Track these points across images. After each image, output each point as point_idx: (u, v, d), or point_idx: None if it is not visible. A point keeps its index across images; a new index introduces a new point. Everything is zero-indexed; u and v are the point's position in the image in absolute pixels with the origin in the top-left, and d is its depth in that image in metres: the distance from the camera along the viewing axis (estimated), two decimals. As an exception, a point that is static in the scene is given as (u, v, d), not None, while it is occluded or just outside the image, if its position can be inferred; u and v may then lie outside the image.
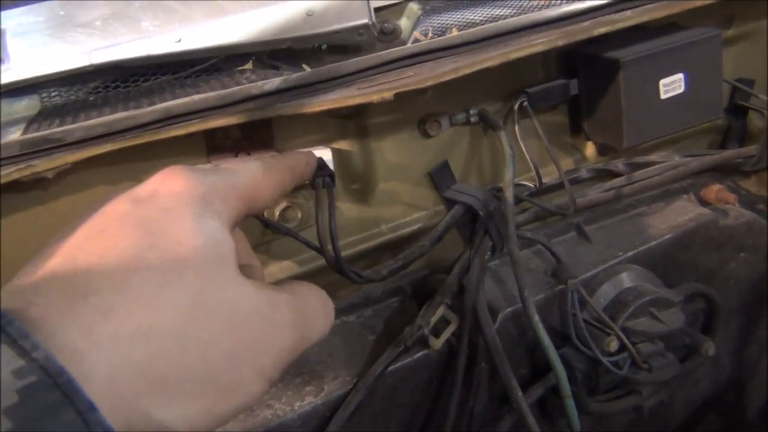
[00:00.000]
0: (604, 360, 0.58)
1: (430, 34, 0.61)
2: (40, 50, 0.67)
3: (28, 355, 0.25)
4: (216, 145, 0.54)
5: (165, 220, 0.31)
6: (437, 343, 0.55)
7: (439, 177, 0.62)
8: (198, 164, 0.53)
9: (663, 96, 0.62)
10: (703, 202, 0.69)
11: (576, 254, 0.63)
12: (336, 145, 0.58)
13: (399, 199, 0.62)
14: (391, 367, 0.53)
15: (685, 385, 0.70)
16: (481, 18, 0.62)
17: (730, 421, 0.76)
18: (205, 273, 0.31)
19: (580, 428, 0.57)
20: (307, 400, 0.51)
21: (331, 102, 0.50)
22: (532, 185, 0.64)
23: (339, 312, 0.58)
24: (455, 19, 0.62)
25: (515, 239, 0.56)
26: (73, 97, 0.67)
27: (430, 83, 0.51)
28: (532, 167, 0.63)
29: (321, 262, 0.58)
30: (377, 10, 0.61)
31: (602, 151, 0.68)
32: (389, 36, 0.72)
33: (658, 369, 0.60)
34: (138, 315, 0.28)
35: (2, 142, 0.49)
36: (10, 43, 0.67)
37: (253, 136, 0.55)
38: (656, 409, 0.67)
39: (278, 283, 0.36)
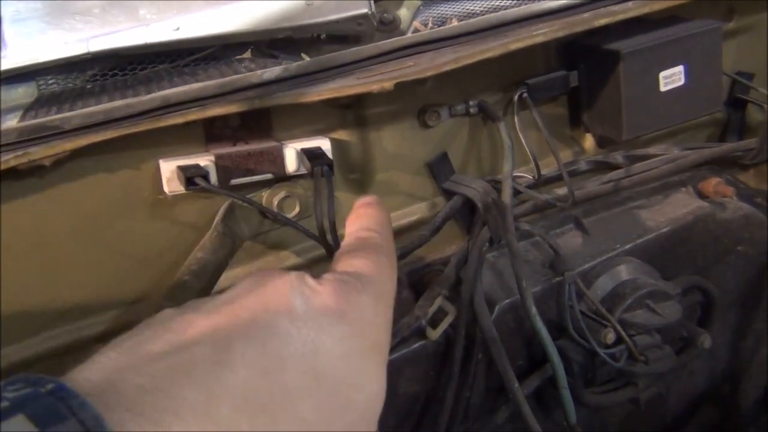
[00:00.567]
0: (601, 352, 0.58)
1: (430, 24, 0.61)
2: (38, 37, 0.67)
3: None
4: (215, 133, 0.54)
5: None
6: (434, 334, 0.55)
7: (438, 168, 0.62)
8: (197, 152, 0.53)
9: (663, 88, 0.62)
10: (702, 195, 0.69)
11: (574, 246, 0.63)
12: (335, 135, 0.58)
13: (397, 190, 0.62)
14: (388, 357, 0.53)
15: (682, 377, 0.71)
16: (481, 8, 0.62)
17: (725, 413, 0.76)
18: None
19: (576, 419, 0.57)
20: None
21: (330, 91, 0.50)
22: (531, 177, 0.64)
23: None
24: (455, 10, 0.62)
25: (513, 231, 0.56)
26: (70, 84, 0.67)
27: (430, 73, 0.51)
28: (531, 159, 0.62)
29: (320, 252, 0.58)
30: (377, 0, 0.61)
31: (601, 143, 0.68)
32: (389, 26, 0.71)
33: (655, 361, 0.60)
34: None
35: (-1, 129, 0.48)
36: (7, 30, 0.67)
37: (252, 125, 0.55)
38: (652, 401, 0.67)
39: None
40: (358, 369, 0.31)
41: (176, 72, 0.65)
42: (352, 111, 0.58)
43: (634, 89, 0.61)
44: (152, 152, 0.52)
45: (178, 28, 0.66)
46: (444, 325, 0.55)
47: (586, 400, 0.60)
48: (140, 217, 0.53)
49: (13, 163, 0.46)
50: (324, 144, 0.55)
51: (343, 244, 0.39)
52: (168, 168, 0.52)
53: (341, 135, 0.58)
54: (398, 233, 0.62)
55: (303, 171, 0.55)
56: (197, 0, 0.65)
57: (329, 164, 0.53)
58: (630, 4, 0.60)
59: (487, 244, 0.59)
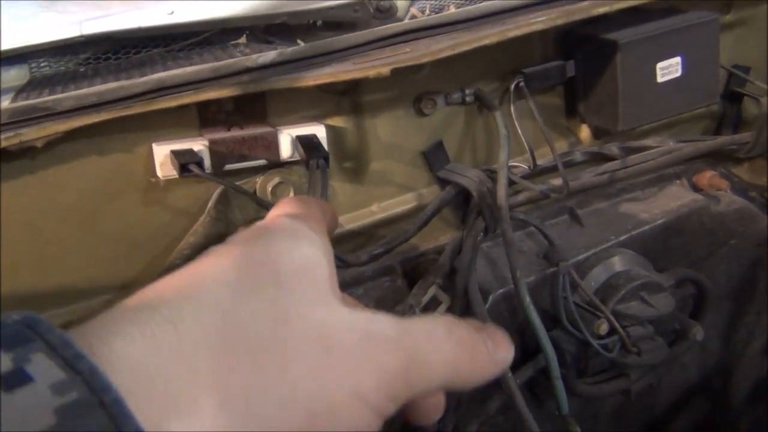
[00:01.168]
0: (594, 343, 0.58)
1: (427, 11, 0.60)
2: (31, 20, 0.66)
3: (71, 367, 0.21)
4: (209, 117, 0.54)
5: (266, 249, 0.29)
6: (428, 323, 0.55)
7: (433, 156, 0.62)
8: (191, 137, 0.53)
9: (660, 79, 0.62)
10: (696, 188, 0.69)
11: (568, 237, 0.63)
12: (330, 122, 0.57)
13: (392, 179, 0.61)
14: (381, 346, 0.53)
15: (673, 369, 0.71)
16: (479, -4, 0.61)
17: (717, 406, 0.76)
18: (291, 288, 0.28)
19: (568, 410, 0.57)
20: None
21: (326, 76, 0.49)
22: (527, 167, 0.63)
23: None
24: (453, -3, 0.61)
25: (508, 220, 0.56)
26: (63, 67, 0.67)
27: (426, 59, 0.51)
28: (527, 149, 0.62)
29: (313, 239, 0.57)
30: (374, -14, 0.61)
31: (597, 134, 0.68)
32: (385, 13, 0.71)
33: (647, 353, 0.60)
34: (207, 324, 0.25)
35: (-9, 109, 0.48)
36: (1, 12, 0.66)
37: (246, 110, 0.54)
38: (644, 392, 0.67)
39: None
40: None
41: (170, 56, 0.64)
42: (347, 98, 0.57)
43: (630, 80, 0.61)
44: (145, 136, 0.52)
45: (172, 12, 0.66)
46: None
47: (578, 391, 0.60)
48: (132, 200, 0.53)
49: (4, 145, 0.45)
50: (319, 131, 0.55)
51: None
52: (161, 152, 0.51)
53: (336, 122, 0.58)
54: (393, 222, 0.62)
55: (297, 157, 0.55)
56: (192, -17, 0.64)
57: (325, 157, 0.52)
58: (628, -7, 0.60)
59: (482, 233, 0.59)
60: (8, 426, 0.20)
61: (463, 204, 0.61)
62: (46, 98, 0.49)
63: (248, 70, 0.51)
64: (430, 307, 0.56)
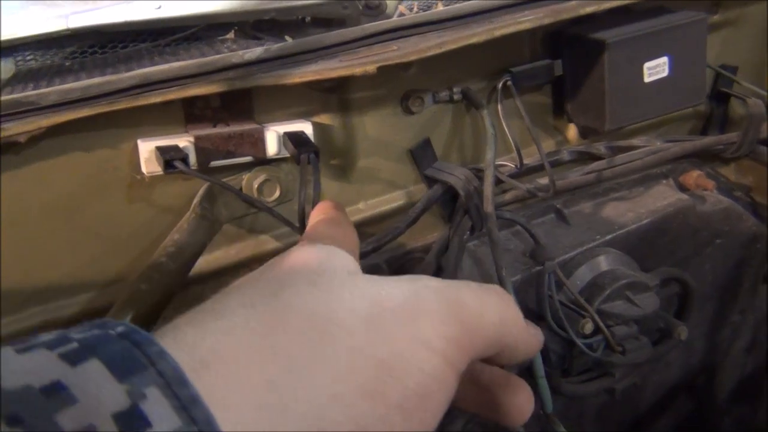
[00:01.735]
0: (579, 342, 0.58)
1: (415, 9, 0.60)
2: (16, 12, 0.66)
3: (185, 411, 0.21)
4: (195, 114, 0.53)
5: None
6: (413, 321, 0.55)
7: (421, 154, 0.62)
8: (176, 133, 0.52)
9: (647, 79, 0.62)
10: (682, 188, 0.70)
11: (554, 236, 0.63)
12: (317, 119, 0.57)
13: (379, 176, 0.61)
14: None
15: (658, 368, 0.71)
16: (467, -6, 0.61)
17: (701, 405, 0.77)
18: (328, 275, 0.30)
19: (552, 409, 0.57)
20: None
21: (313, 73, 0.49)
22: (514, 166, 0.63)
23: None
24: (441, -5, 0.61)
25: (494, 219, 0.56)
26: (48, 61, 0.66)
27: (414, 57, 0.51)
28: (514, 147, 0.62)
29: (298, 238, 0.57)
30: (363, -17, 0.61)
31: (584, 133, 0.68)
32: (374, 10, 0.71)
33: (632, 352, 0.60)
34: (261, 310, 0.27)
35: (-27, 104, 0.47)
36: (-15, 4, 0.65)
37: (232, 106, 0.54)
38: (628, 391, 0.67)
39: None
40: None
41: (157, 51, 0.64)
42: (335, 95, 0.57)
43: (618, 79, 0.61)
44: (131, 131, 0.51)
45: (159, 7, 0.65)
46: (423, 312, 0.55)
47: (563, 390, 0.60)
48: (117, 197, 0.52)
49: (-14, 139, 0.45)
50: (306, 128, 0.55)
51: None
52: (146, 148, 0.51)
53: (323, 119, 0.58)
54: (379, 220, 0.62)
55: (284, 154, 0.54)
56: (179, -22, 0.64)
57: (316, 152, 0.52)
58: (616, -7, 0.60)
59: (468, 232, 0.59)
60: None
61: (449, 202, 0.61)
62: (29, 92, 0.48)
63: (234, 67, 0.51)
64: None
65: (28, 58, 0.66)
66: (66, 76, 0.59)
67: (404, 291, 0.30)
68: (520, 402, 0.35)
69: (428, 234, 0.63)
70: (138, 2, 0.65)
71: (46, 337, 0.23)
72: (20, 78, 0.62)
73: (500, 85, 0.62)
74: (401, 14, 0.60)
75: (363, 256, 0.56)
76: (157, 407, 0.21)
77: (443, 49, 0.52)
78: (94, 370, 0.21)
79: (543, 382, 0.56)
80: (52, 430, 0.20)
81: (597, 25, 0.62)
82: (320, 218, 0.40)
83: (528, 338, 0.34)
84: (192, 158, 0.52)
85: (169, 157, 0.49)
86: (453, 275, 0.56)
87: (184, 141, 0.51)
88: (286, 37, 0.66)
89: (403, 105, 0.60)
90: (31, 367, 0.21)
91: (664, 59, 0.62)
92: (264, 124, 0.54)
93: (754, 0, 0.74)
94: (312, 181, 0.51)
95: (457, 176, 0.59)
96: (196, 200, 0.53)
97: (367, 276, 0.31)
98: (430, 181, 0.62)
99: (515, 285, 0.56)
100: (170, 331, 0.25)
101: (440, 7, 0.59)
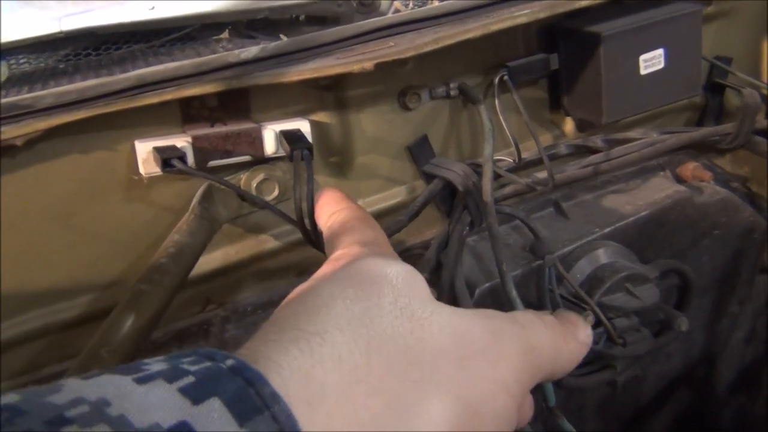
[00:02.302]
0: (580, 335, 0.58)
1: (411, 5, 0.60)
2: (9, 16, 0.65)
3: None
4: (192, 114, 0.53)
5: None
6: (415, 318, 0.55)
7: (418, 151, 0.62)
8: (173, 134, 0.52)
9: (643, 72, 0.62)
10: (679, 180, 0.70)
11: (553, 230, 0.63)
12: (314, 117, 0.57)
13: (377, 173, 0.61)
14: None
15: (658, 360, 0.71)
16: (462, -11, 0.61)
17: (700, 395, 0.77)
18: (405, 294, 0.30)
19: (555, 402, 0.57)
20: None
21: (310, 71, 0.49)
22: (512, 160, 0.63)
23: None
24: (436, -10, 0.61)
25: (494, 214, 0.56)
26: (42, 64, 0.66)
27: (410, 53, 0.51)
28: (512, 142, 0.62)
29: (299, 235, 0.57)
30: (357, -20, 0.61)
31: (581, 126, 0.68)
32: (368, 7, 0.71)
33: (633, 344, 0.60)
34: (350, 333, 0.27)
35: (-31, 108, 0.47)
36: (-23, 7, 0.65)
37: (229, 106, 0.54)
38: (629, 383, 0.67)
39: None
40: None
41: (152, 52, 0.64)
42: (331, 93, 0.57)
43: (614, 72, 0.61)
44: (128, 133, 0.51)
45: (153, 8, 0.65)
46: (424, 309, 0.55)
47: (565, 383, 0.60)
48: (115, 199, 0.52)
49: (-17, 143, 0.44)
50: (303, 126, 0.54)
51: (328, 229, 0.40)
52: (144, 149, 0.51)
53: (321, 117, 0.58)
54: (378, 216, 0.62)
55: (282, 153, 0.54)
56: (173, -22, 0.64)
57: (309, 148, 0.52)
58: (611, -14, 0.60)
59: (468, 227, 0.58)
60: None
61: (448, 198, 0.61)
62: (25, 96, 0.48)
63: (231, 66, 0.51)
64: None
65: (22, 61, 0.66)
66: (60, 79, 0.59)
67: (485, 331, 0.30)
68: (523, 408, 0.36)
69: (427, 230, 0.63)
70: (131, 3, 0.65)
71: (159, 365, 0.24)
72: (14, 81, 0.61)
73: (497, 79, 0.62)
74: (396, 11, 0.60)
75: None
76: None
77: (440, 45, 0.52)
78: (215, 410, 0.22)
79: (545, 376, 0.56)
80: None
81: (592, 18, 0.62)
82: (349, 214, 0.39)
83: (575, 352, 0.35)
84: (190, 158, 0.52)
85: (167, 157, 0.49)
86: (453, 271, 0.56)
87: (181, 141, 0.51)
88: (281, 36, 0.66)
89: (400, 101, 0.60)
90: (155, 403, 0.22)
91: (660, 51, 0.62)
92: (261, 123, 0.54)
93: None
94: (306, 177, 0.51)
95: (455, 172, 0.59)
96: (194, 200, 0.53)
97: (445, 306, 0.31)
98: (429, 178, 0.62)
99: (516, 279, 0.56)
100: (277, 353, 0.26)
101: (435, 3, 0.59)
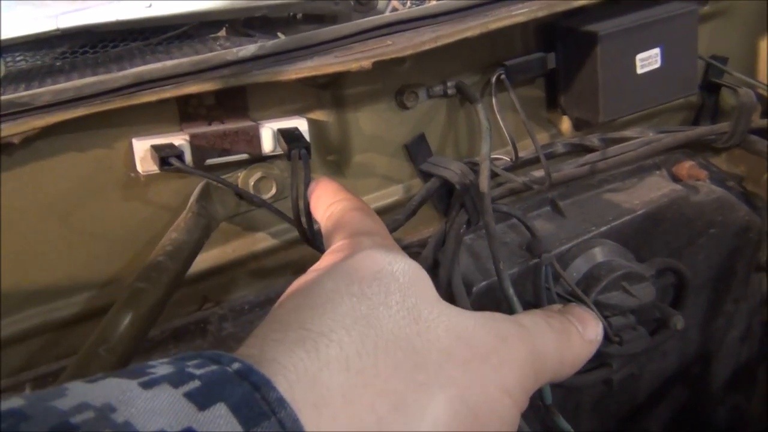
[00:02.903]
0: (577, 333, 0.58)
1: (408, 3, 0.60)
2: (5, 13, 0.65)
3: None
4: (189, 112, 0.53)
5: None
6: (412, 316, 0.55)
7: (416, 149, 0.62)
8: (171, 132, 0.52)
9: (639, 71, 0.62)
10: (675, 179, 0.70)
11: (550, 229, 0.64)
12: (312, 116, 0.57)
13: (375, 172, 0.61)
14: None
15: (654, 358, 0.71)
16: (459, -12, 0.61)
17: (696, 393, 0.77)
18: (411, 293, 0.30)
19: (551, 401, 0.57)
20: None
21: (308, 69, 0.49)
22: (509, 159, 0.63)
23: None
24: (433, -11, 0.61)
25: (491, 213, 0.56)
26: (39, 61, 0.66)
27: (409, 52, 0.51)
28: (509, 141, 0.62)
29: (296, 234, 0.57)
30: (354, -22, 0.61)
31: (578, 125, 0.68)
32: (365, 6, 0.71)
33: (629, 342, 0.61)
34: (356, 333, 0.27)
35: (-34, 105, 0.47)
36: (-27, 4, 0.65)
37: (227, 104, 0.54)
38: (625, 382, 0.68)
39: None
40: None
41: (149, 50, 0.64)
42: (329, 91, 0.57)
43: (611, 71, 0.61)
44: (125, 131, 0.51)
45: (150, 5, 0.65)
46: (421, 307, 0.55)
47: (561, 381, 0.61)
48: (113, 197, 0.52)
49: (-20, 141, 0.44)
50: (301, 124, 0.55)
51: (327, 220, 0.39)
52: (141, 147, 0.51)
53: (318, 115, 0.58)
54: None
55: (279, 151, 0.54)
56: (170, -24, 0.64)
57: (306, 147, 0.52)
58: (608, -15, 0.60)
59: (465, 226, 0.59)
60: None
61: (445, 197, 0.61)
62: (22, 93, 0.48)
63: (229, 64, 0.51)
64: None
65: (18, 58, 0.66)
66: (57, 77, 0.59)
67: (491, 335, 0.30)
68: None
69: (424, 228, 0.63)
70: (128, 1, 0.65)
71: (164, 369, 0.23)
72: (11, 79, 0.61)
73: (494, 78, 0.62)
74: (394, 9, 0.60)
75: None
76: None
77: (438, 44, 0.52)
78: (221, 416, 0.22)
79: (542, 374, 0.56)
80: None
81: (589, 17, 0.62)
82: (347, 205, 0.39)
83: (581, 354, 0.35)
84: (187, 156, 0.52)
85: (165, 155, 0.49)
86: (450, 269, 0.56)
87: (179, 139, 0.51)
88: (279, 34, 0.66)
89: (397, 100, 0.60)
90: (160, 408, 0.22)
91: (656, 50, 0.63)
92: (259, 122, 0.54)
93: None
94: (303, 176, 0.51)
95: (452, 170, 0.59)
96: (192, 198, 0.53)
97: (451, 307, 0.31)
98: (426, 176, 0.62)
99: (512, 278, 0.57)
100: (283, 355, 0.25)
101: (433, 2, 0.59)
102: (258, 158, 0.55)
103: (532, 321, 0.33)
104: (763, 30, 0.77)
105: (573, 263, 0.62)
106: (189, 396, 0.22)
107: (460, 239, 0.58)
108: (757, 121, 0.68)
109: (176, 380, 0.23)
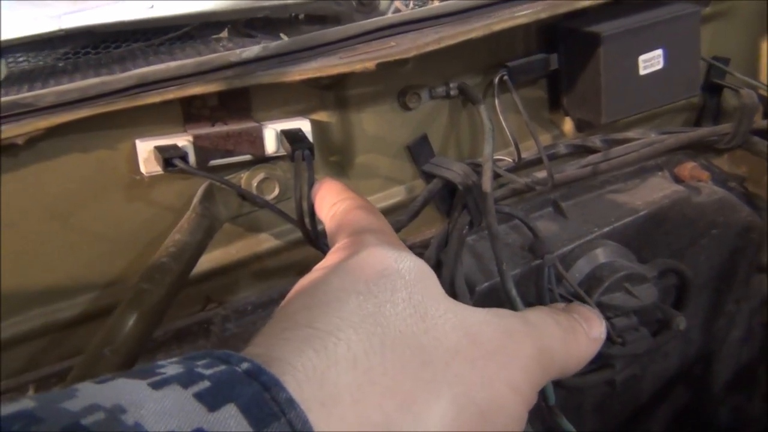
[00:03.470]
0: (579, 334, 0.58)
1: (411, 5, 0.60)
2: (7, 14, 0.65)
3: None
4: (193, 113, 0.53)
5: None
6: (415, 317, 0.55)
7: (418, 150, 0.62)
8: (174, 133, 0.52)
9: (642, 72, 0.62)
10: (678, 180, 0.70)
11: (552, 230, 0.64)
12: (315, 117, 0.57)
13: (377, 172, 0.61)
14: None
15: (656, 359, 0.72)
16: (462, -11, 0.61)
17: (697, 393, 0.77)
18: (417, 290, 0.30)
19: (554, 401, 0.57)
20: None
21: (312, 71, 0.49)
22: (511, 160, 0.63)
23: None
24: (436, -10, 0.61)
25: (494, 213, 0.56)
26: (41, 62, 0.66)
27: (413, 53, 0.51)
28: (512, 142, 0.62)
29: (299, 235, 0.57)
30: (357, -21, 0.61)
31: (580, 126, 0.68)
32: (367, 6, 0.71)
33: (632, 343, 0.61)
34: (364, 332, 0.27)
35: (-31, 106, 0.47)
36: (-25, 5, 0.65)
37: (230, 106, 0.54)
38: (628, 382, 0.68)
39: None
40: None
41: (152, 51, 0.64)
42: (332, 92, 0.57)
43: (613, 72, 0.61)
44: (129, 132, 0.51)
45: (152, 6, 0.65)
46: (424, 308, 0.55)
47: (564, 382, 0.61)
48: (116, 197, 0.52)
49: (-16, 142, 0.44)
50: (304, 125, 0.55)
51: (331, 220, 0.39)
52: (145, 148, 0.51)
53: (321, 116, 0.58)
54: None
55: (282, 152, 0.54)
56: (172, -23, 0.64)
57: (310, 148, 0.52)
58: (611, -13, 0.60)
59: (467, 227, 0.59)
60: None
61: (448, 197, 0.62)
62: (26, 94, 0.48)
63: (233, 65, 0.51)
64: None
65: (20, 59, 0.66)
66: (60, 77, 0.59)
67: (498, 331, 0.30)
68: None
69: (427, 229, 0.63)
70: (131, 2, 0.65)
71: (174, 369, 0.24)
72: (14, 80, 0.61)
73: (497, 79, 0.62)
74: (397, 10, 0.60)
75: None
76: None
77: (442, 45, 0.52)
78: (232, 416, 0.22)
79: (545, 375, 0.56)
80: None
81: (592, 18, 0.62)
82: (351, 204, 0.39)
83: (586, 352, 0.35)
84: (191, 158, 0.52)
85: (169, 156, 0.49)
86: (452, 270, 0.56)
87: (182, 140, 0.51)
88: (281, 35, 0.66)
89: (400, 101, 0.60)
90: (171, 409, 0.22)
91: (659, 52, 0.63)
92: (262, 122, 0.54)
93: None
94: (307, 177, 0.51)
95: (455, 171, 0.59)
96: (195, 200, 0.53)
97: (458, 304, 0.31)
98: (428, 177, 0.62)
99: (515, 279, 0.57)
100: (291, 354, 0.25)
101: (436, 3, 0.59)
102: (261, 159, 0.55)
103: (538, 317, 0.33)
104: (764, 31, 0.77)
105: (575, 264, 0.62)
106: (199, 397, 0.22)
107: (462, 240, 0.58)
108: (759, 122, 0.68)
109: (186, 380, 0.23)
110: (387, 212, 0.62)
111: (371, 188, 0.61)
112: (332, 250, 0.35)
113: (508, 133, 0.62)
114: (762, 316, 0.77)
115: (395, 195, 0.63)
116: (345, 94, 0.57)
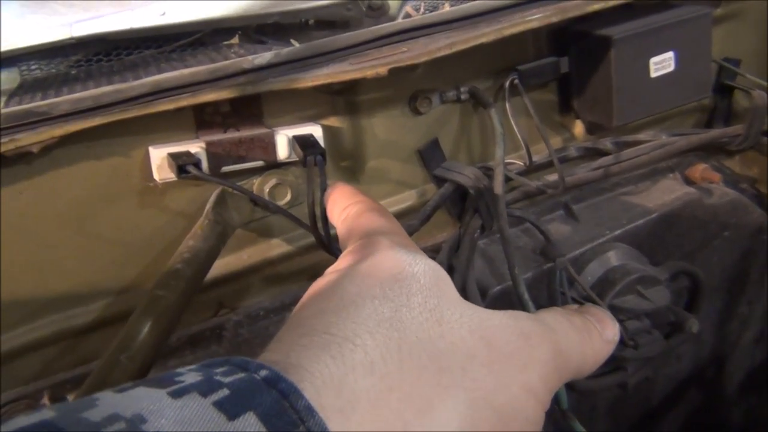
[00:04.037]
0: (592, 337, 0.58)
1: (422, 9, 0.60)
2: (20, 22, 0.66)
3: None
4: (205, 120, 0.53)
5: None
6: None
7: (429, 155, 0.62)
8: (187, 139, 0.52)
9: (653, 74, 0.62)
10: (689, 182, 0.70)
11: (564, 232, 0.64)
12: (326, 122, 0.57)
13: (389, 177, 0.62)
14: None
15: (669, 362, 0.71)
16: (473, -7, 0.61)
17: (710, 395, 0.77)
18: (433, 294, 0.30)
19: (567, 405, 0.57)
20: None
21: (324, 77, 0.49)
22: (522, 163, 0.63)
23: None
24: (446, -5, 0.61)
25: (505, 217, 0.56)
26: (54, 70, 0.66)
27: (424, 59, 0.51)
28: (523, 145, 0.62)
29: (312, 240, 0.57)
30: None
31: (591, 129, 0.68)
32: (377, 12, 0.71)
33: (644, 346, 0.61)
34: (381, 337, 0.27)
35: (-16, 115, 0.47)
36: (-12, 14, 0.65)
37: (242, 112, 0.54)
38: (640, 385, 0.68)
39: None
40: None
41: (164, 57, 0.64)
42: (343, 97, 0.57)
43: (624, 75, 0.61)
44: (142, 139, 0.51)
45: (164, 13, 0.65)
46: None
47: (577, 386, 0.61)
48: (130, 204, 0.52)
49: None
50: (316, 131, 0.55)
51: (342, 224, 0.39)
52: (158, 155, 0.51)
53: (332, 122, 0.58)
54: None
55: (294, 158, 0.54)
56: (184, -16, 0.64)
57: (322, 153, 0.52)
58: (621, -10, 0.60)
59: (479, 231, 0.59)
60: None
61: (459, 202, 0.62)
62: (41, 102, 0.48)
63: (245, 72, 0.51)
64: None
65: (33, 67, 0.66)
66: (73, 85, 0.59)
67: (515, 334, 0.30)
68: None
69: (438, 234, 0.63)
70: (142, 9, 0.65)
71: (192, 377, 0.24)
72: (27, 88, 0.62)
73: (507, 83, 0.62)
74: (408, 15, 0.60)
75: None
76: None
77: (453, 50, 0.52)
78: (251, 425, 0.22)
79: (558, 379, 0.56)
80: None
81: (603, 21, 0.62)
82: (363, 207, 0.39)
83: (600, 353, 0.35)
84: (204, 164, 0.52)
85: (183, 163, 0.49)
86: (464, 274, 0.56)
87: (195, 147, 0.51)
88: (292, 41, 0.66)
89: (410, 105, 0.60)
90: (191, 418, 0.22)
91: (670, 54, 0.63)
92: (274, 128, 0.54)
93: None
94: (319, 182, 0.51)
95: (466, 175, 0.59)
96: (208, 206, 0.53)
97: (474, 307, 0.31)
98: (439, 181, 0.62)
99: (527, 282, 0.57)
100: (308, 361, 0.26)
101: (447, 8, 0.60)
102: (273, 165, 0.55)
103: (554, 319, 0.33)
104: (775, 32, 0.77)
105: (587, 267, 0.62)
106: (218, 405, 0.22)
107: (474, 244, 0.58)
108: (771, 124, 0.68)
109: (205, 389, 0.23)
110: (398, 216, 0.61)
111: (383, 193, 0.62)
112: (345, 252, 0.35)
113: (519, 137, 0.62)
114: (775, 317, 0.77)
115: (406, 199, 0.63)
116: (356, 100, 0.57)
